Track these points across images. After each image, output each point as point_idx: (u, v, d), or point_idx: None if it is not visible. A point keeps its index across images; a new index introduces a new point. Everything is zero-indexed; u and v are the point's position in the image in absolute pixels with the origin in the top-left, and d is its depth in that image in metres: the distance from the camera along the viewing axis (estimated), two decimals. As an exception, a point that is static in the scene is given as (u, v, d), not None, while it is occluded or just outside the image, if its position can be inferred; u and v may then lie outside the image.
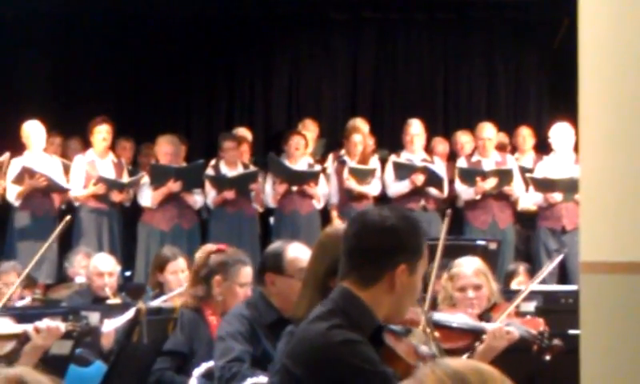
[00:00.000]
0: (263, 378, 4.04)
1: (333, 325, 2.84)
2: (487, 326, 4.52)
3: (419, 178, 9.67)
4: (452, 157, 10.45)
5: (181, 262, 6.66)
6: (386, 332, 3.00)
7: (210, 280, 5.02)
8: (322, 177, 9.90)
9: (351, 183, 9.81)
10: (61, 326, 4.47)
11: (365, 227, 2.95)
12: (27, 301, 7.12)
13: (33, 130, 9.43)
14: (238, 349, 4.30)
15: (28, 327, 4.51)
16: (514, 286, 7.68)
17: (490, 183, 9.59)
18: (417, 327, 3.88)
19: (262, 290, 4.47)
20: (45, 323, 4.49)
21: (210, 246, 5.32)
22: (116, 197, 9.56)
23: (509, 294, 6.18)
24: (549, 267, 6.15)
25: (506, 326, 4.55)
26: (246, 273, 5.11)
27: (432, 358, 3.36)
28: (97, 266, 7.42)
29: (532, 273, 8.50)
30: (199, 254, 5.24)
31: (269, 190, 9.84)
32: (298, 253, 4.42)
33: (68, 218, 5.78)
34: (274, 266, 4.42)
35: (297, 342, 2.95)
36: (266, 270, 4.45)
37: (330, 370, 2.80)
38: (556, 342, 4.38)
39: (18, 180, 9.27)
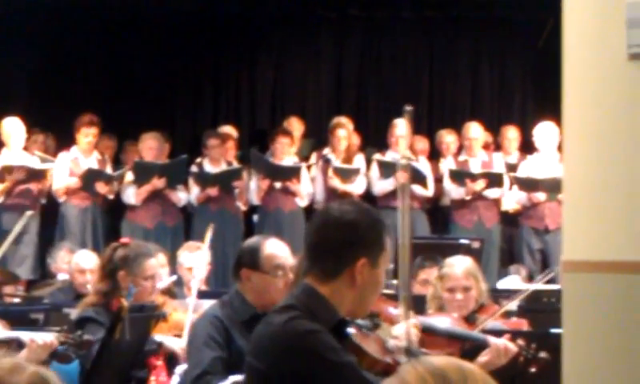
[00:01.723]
0: (238, 377, 4.02)
1: (290, 317, 2.85)
2: (491, 339, 4.45)
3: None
4: (434, 155, 10.44)
5: (161, 258, 6.64)
6: (351, 327, 3.00)
7: (116, 275, 4.93)
8: (306, 175, 9.89)
9: (335, 182, 9.81)
10: (55, 341, 4.47)
11: (325, 222, 2.96)
12: None
13: (12, 128, 9.36)
14: (209, 358, 4.22)
15: (21, 335, 4.50)
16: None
17: (480, 185, 9.61)
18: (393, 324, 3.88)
19: (238, 286, 4.40)
20: (40, 339, 4.48)
21: (118, 242, 5.22)
22: (101, 188, 9.50)
23: (496, 293, 6.21)
24: (535, 285, 6.08)
25: (488, 328, 4.54)
26: (151, 265, 5.01)
27: (401, 352, 3.37)
28: (78, 263, 7.39)
29: (528, 277, 8.55)
30: (106, 250, 5.17)
31: (253, 187, 9.83)
32: (275, 249, 4.37)
33: (29, 213, 5.71)
34: (250, 261, 4.36)
35: (256, 338, 2.95)
36: (242, 266, 4.38)
37: (293, 360, 2.80)
38: (542, 354, 4.36)
39: None
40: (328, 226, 2.94)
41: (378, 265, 2.93)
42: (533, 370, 4.37)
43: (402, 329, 3.69)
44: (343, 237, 2.90)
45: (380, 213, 3.14)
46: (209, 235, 6.69)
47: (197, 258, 6.95)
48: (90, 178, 9.47)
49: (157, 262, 5.04)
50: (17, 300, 7.34)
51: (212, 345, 4.26)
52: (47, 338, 4.50)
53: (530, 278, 8.35)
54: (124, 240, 5.24)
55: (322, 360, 2.80)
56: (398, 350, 3.41)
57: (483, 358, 4.34)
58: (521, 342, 4.38)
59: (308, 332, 2.82)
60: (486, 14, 12.04)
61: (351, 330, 3.06)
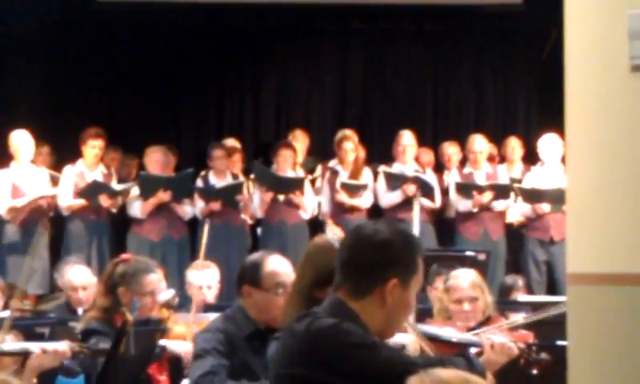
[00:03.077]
0: None
1: (311, 320, 2.86)
2: (491, 338, 4.46)
3: (411, 188, 9.67)
4: (439, 168, 10.46)
5: (157, 272, 6.63)
6: None
7: (116, 291, 4.92)
8: (309, 188, 9.89)
9: (343, 197, 9.82)
10: (67, 350, 4.46)
11: (358, 240, 2.96)
12: (7, 313, 7.03)
13: (21, 141, 9.38)
14: (212, 362, 4.23)
15: (31, 346, 4.50)
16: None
17: (487, 197, 9.61)
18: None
19: (240, 301, 4.38)
20: (53, 345, 4.48)
21: (119, 258, 5.22)
22: (104, 201, 9.50)
23: (503, 305, 6.19)
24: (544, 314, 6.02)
25: (489, 340, 4.53)
26: (149, 281, 4.98)
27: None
28: (71, 280, 7.33)
29: (527, 286, 8.52)
30: (107, 266, 5.18)
31: (257, 201, 9.83)
32: (276, 266, 4.34)
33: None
34: (251, 278, 4.33)
35: (285, 349, 2.95)
36: (244, 282, 4.36)
37: (321, 355, 2.81)
38: (543, 355, 4.36)
39: (7, 213, 9.25)
40: (361, 244, 2.94)
41: (409, 287, 2.93)
42: (534, 372, 4.37)
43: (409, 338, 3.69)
44: (375, 256, 2.90)
45: (416, 236, 3.15)
46: (205, 232, 6.65)
47: (206, 277, 6.92)
48: (94, 190, 9.48)
49: (156, 278, 5.03)
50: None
51: (216, 354, 4.26)
52: (60, 346, 4.50)
53: (529, 288, 8.32)
54: (124, 256, 5.24)
55: (351, 346, 2.80)
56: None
57: (484, 355, 4.33)
58: (521, 344, 4.38)
59: (331, 326, 2.82)
60: (489, 26, 12.05)
61: None
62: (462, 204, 9.75)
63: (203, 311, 6.57)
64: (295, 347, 2.88)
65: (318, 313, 2.91)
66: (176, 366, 5.25)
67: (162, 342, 5.07)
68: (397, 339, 3.71)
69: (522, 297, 7.56)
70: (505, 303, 6.77)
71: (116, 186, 9.69)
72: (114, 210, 9.69)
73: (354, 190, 9.86)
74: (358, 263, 2.92)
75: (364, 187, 9.86)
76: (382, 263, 2.89)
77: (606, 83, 3.44)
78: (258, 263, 4.37)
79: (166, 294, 6.26)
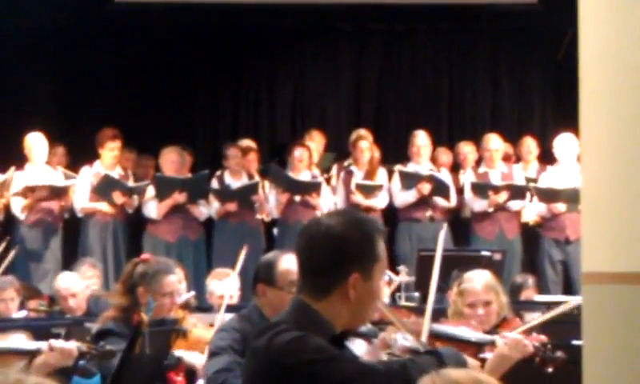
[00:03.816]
0: None
1: (273, 334, 2.80)
2: (497, 338, 4.45)
3: (426, 187, 9.67)
4: (455, 167, 10.45)
5: (178, 273, 6.66)
6: (353, 337, 2.97)
7: (135, 291, 4.95)
8: (326, 189, 9.89)
9: (358, 198, 9.82)
10: (74, 349, 4.48)
11: (311, 239, 2.88)
12: (23, 313, 7.06)
13: (35, 143, 9.43)
14: (227, 360, 4.26)
15: (42, 345, 4.52)
16: (522, 298, 7.66)
17: (503, 197, 9.60)
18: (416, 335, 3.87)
19: (256, 300, 4.42)
20: (60, 343, 4.49)
21: (139, 258, 5.26)
22: (117, 198, 9.52)
23: (517, 306, 6.17)
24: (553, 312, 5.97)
25: (503, 338, 4.52)
26: (169, 282, 5.01)
27: (408, 352, 3.35)
28: (59, 289, 7.33)
29: (538, 285, 8.50)
30: (127, 266, 5.22)
31: (272, 201, 9.84)
32: (290, 264, 4.31)
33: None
34: (266, 277, 4.37)
35: (247, 359, 2.92)
36: (259, 281, 4.39)
37: (280, 373, 2.76)
38: (559, 354, 4.33)
39: (21, 194, 9.28)
40: (314, 244, 2.86)
41: (371, 277, 2.85)
42: (550, 370, 4.35)
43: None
44: (331, 254, 2.82)
45: (372, 221, 3.04)
46: (241, 257, 6.69)
47: (227, 286, 6.94)
48: (106, 184, 9.50)
49: (176, 279, 5.05)
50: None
51: (231, 352, 4.29)
52: (67, 345, 4.51)
53: (539, 287, 8.29)
54: (144, 256, 5.26)
55: (310, 363, 2.74)
56: (405, 349, 3.39)
57: (496, 352, 4.32)
58: (536, 342, 4.36)
59: (288, 343, 2.76)
60: (505, 26, 12.03)
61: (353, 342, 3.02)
62: (477, 204, 9.75)
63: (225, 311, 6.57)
64: (256, 369, 2.83)
65: (278, 324, 2.84)
66: (191, 373, 5.25)
67: (177, 352, 5.08)
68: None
69: (537, 297, 7.55)
70: (520, 303, 6.75)
71: (130, 183, 9.72)
72: (130, 210, 9.72)
73: (369, 190, 9.86)
74: (314, 264, 2.85)
75: (379, 188, 9.85)
76: (339, 261, 2.81)
77: (620, 83, 3.43)
78: (272, 262, 4.40)
79: (186, 295, 6.29)
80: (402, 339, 3.41)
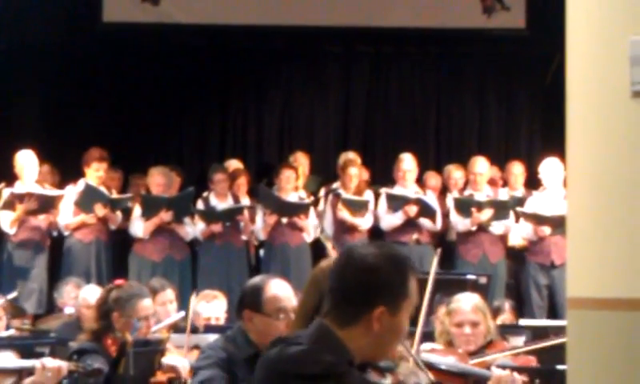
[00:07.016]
0: None
1: (287, 344, 2.79)
2: (494, 370, 4.44)
3: (412, 210, 9.67)
4: (444, 191, 10.46)
5: (169, 293, 6.64)
6: (371, 369, 2.94)
7: (110, 316, 4.95)
8: (312, 209, 9.89)
9: (344, 214, 9.79)
10: (64, 367, 4.46)
11: (346, 266, 2.85)
12: (11, 331, 7.04)
13: (25, 160, 9.41)
14: (211, 373, 4.20)
15: (34, 363, 4.50)
16: (498, 322, 7.65)
17: (486, 214, 9.59)
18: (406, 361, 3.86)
19: (241, 324, 4.33)
20: (52, 362, 4.48)
21: (113, 283, 5.27)
22: (99, 210, 9.48)
23: (503, 330, 6.18)
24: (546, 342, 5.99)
25: (497, 364, 4.53)
26: (144, 306, 5.01)
27: None
28: (86, 298, 7.36)
29: (519, 309, 8.49)
30: (102, 292, 5.22)
31: (259, 223, 9.82)
32: (278, 291, 4.26)
33: None
34: (252, 303, 4.26)
35: (257, 368, 2.88)
36: (245, 307, 4.29)
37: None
38: None
39: (9, 207, 9.24)
40: (347, 270, 2.83)
41: (399, 312, 2.82)
42: None
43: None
44: (361, 283, 2.79)
45: (407, 258, 2.96)
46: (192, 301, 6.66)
47: (214, 308, 6.90)
48: (88, 196, 9.47)
49: (150, 303, 5.05)
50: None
51: (216, 367, 4.23)
52: (58, 363, 4.50)
53: (515, 311, 8.28)
54: (118, 282, 5.28)
55: (317, 378, 2.72)
56: None
57: None
58: (525, 378, 4.37)
59: (299, 354, 2.74)
60: (492, 50, 12.08)
61: (371, 373, 2.99)
62: (461, 223, 9.74)
63: (203, 332, 6.54)
64: (264, 378, 2.81)
65: (295, 338, 2.83)
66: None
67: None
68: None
69: (522, 321, 7.54)
70: (505, 328, 6.75)
71: (112, 196, 9.69)
72: (114, 227, 9.68)
73: (355, 206, 9.83)
74: (344, 290, 2.82)
75: (365, 204, 9.83)
76: (368, 291, 2.78)
77: (606, 109, 3.44)
78: (258, 288, 4.29)
79: (176, 315, 6.28)
80: (415, 378, 3.38)
